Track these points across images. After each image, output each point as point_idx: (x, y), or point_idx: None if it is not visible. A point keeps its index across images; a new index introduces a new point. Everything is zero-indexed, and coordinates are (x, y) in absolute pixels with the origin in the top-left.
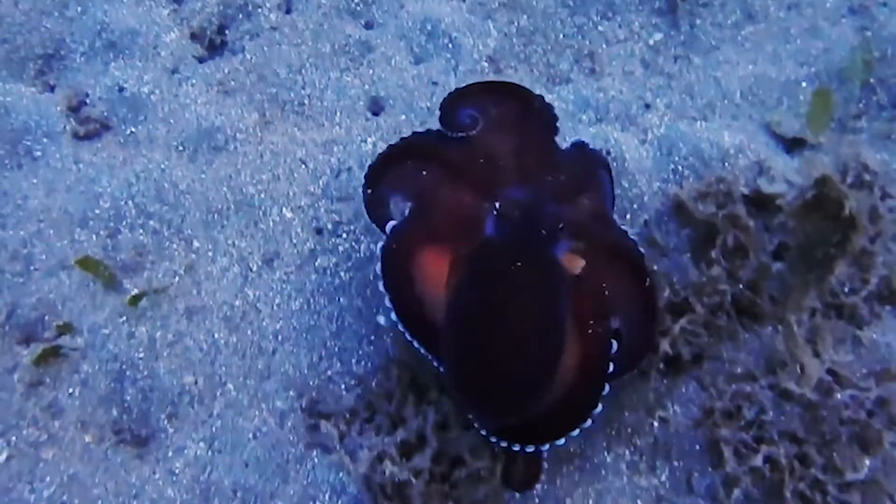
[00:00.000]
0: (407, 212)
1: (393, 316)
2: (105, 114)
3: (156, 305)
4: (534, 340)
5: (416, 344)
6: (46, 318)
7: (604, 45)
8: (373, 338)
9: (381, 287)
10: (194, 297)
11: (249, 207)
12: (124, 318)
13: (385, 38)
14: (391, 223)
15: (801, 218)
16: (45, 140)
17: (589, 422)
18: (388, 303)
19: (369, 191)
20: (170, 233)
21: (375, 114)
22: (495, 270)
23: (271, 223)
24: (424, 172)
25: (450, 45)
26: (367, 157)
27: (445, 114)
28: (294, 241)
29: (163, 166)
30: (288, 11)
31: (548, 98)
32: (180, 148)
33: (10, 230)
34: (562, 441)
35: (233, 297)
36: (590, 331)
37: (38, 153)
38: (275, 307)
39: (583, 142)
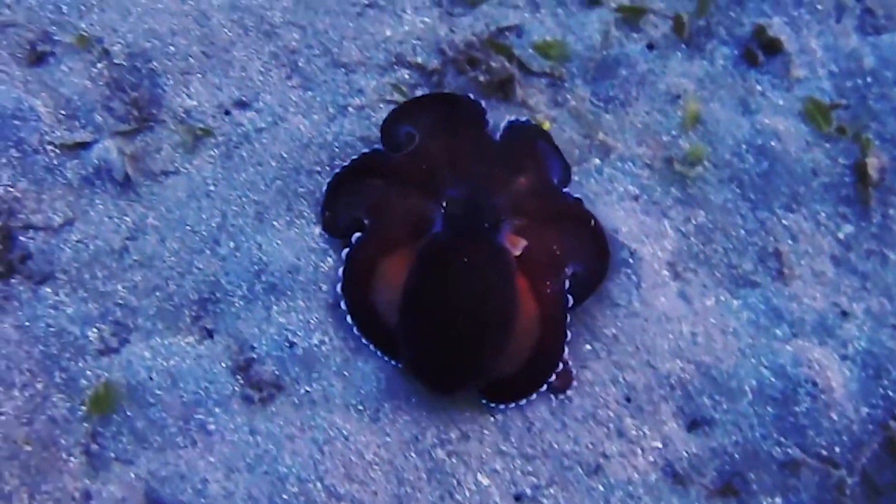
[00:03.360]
0: (365, 227)
1: (348, 319)
2: (276, 373)
3: None
4: (482, 324)
5: (370, 345)
6: None
7: (789, 242)
8: None
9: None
10: None
11: (442, 475)
12: None
13: None
14: (355, 235)
15: None
16: (217, 410)
17: (561, 365)
18: (343, 306)
19: (327, 213)
20: None
21: None
22: (443, 263)
23: (467, 493)
24: (374, 188)
25: (629, 259)
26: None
27: (385, 135)
28: None
29: (345, 433)
30: None
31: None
32: (360, 407)
33: None
34: (544, 387)
35: None
36: (548, 290)
37: (212, 426)
38: None
39: (512, 121)
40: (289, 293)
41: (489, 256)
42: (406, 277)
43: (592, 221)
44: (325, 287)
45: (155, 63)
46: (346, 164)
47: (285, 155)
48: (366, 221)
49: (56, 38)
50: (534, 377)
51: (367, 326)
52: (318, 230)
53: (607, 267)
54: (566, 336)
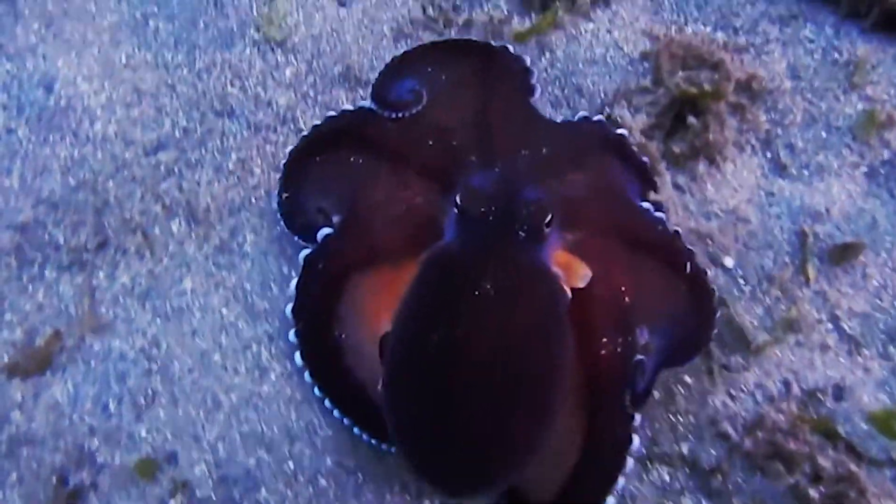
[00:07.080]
0: (336, 223)
1: (306, 376)
2: None
3: None
4: (514, 391)
5: (340, 417)
6: None
7: None
8: None
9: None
10: None
11: None
12: None
13: None
14: (323, 231)
15: None
16: None
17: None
18: (298, 357)
19: (285, 195)
20: None
21: None
22: (454, 291)
23: None
24: (355, 165)
25: None
26: None
27: (379, 89)
28: None
29: None
30: None
31: None
32: None
33: None
34: None
35: None
36: (603, 351)
37: None
38: None
39: (585, 116)
40: None
41: (525, 282)
42: (397, 310)
43: (689, 264)
44: None
45: (265, 494)
46: (318, 125)
47: None
48: (335, 218)
49: (99, 458)
50: (576, 492)
51: (328, 377)
52: None
53: (705, 341)
54: (631, 440)
